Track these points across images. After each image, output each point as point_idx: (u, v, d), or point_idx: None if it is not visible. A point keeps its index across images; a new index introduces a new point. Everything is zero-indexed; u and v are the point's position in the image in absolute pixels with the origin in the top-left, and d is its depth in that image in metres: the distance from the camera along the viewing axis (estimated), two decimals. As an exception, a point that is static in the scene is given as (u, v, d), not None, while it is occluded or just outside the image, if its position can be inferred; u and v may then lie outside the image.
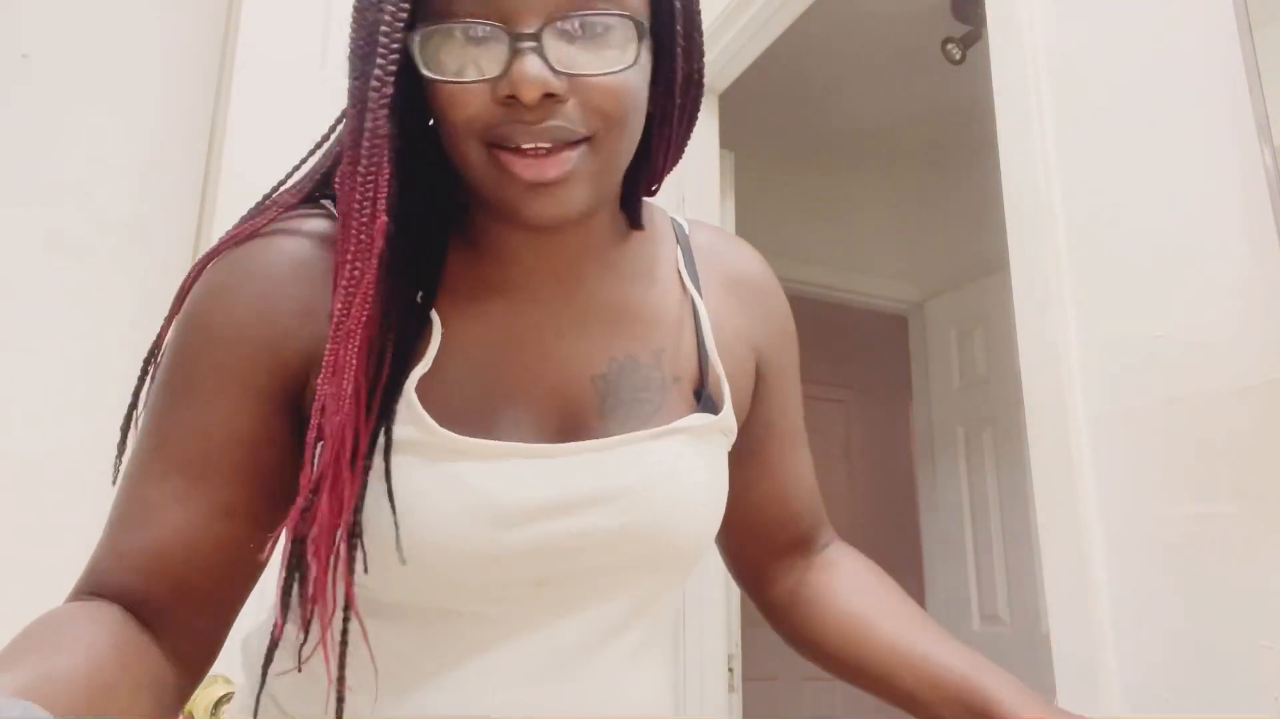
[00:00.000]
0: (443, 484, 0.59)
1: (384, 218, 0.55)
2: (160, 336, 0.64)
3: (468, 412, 0.61)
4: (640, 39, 0.56)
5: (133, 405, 0.63)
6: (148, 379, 0.63)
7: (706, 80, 2.58)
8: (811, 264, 3.66)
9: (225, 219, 1.57)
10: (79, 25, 1.70)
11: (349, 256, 0.55)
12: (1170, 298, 1.12)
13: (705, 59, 0.66)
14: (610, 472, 0.63)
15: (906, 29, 2.95)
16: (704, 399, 0.69)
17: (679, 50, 0.61)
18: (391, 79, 0.54)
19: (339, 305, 0.55)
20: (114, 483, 0.62)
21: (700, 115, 0.67)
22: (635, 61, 0.56)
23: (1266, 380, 1.01)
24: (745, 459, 0.78)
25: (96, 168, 1.66)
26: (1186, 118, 1.13)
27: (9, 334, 1.54)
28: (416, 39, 0.54)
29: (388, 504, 0.58)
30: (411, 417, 0.59)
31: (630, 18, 0.56)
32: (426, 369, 0.60)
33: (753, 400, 0.77)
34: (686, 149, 0.69)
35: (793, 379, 0.81)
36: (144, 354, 0.64)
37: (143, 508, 0.58)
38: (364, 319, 0.55)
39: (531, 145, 0.55)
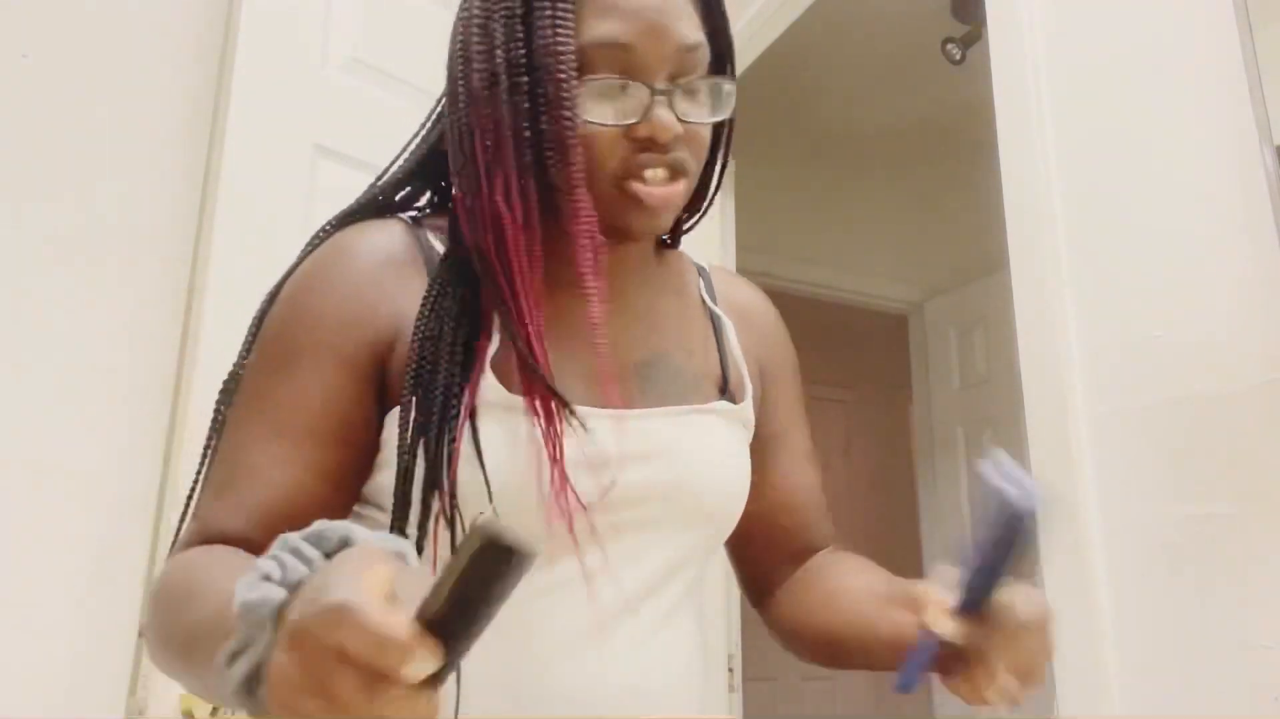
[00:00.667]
0: (516, 436, 0.67)
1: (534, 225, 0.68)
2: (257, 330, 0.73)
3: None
4: (733, 98, 0.72)
5: (232, 378, 0.73)
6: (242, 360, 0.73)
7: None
8: (811, 264, 3.66)
9: (225, 220, 1.57)
10: (79, 25, 1.70)
11: (514, 266, 0.67)
12: (1170, 298, 1.12)
13: None
14: (658, 433, 0.72)
15: (906, 29, 2.95)
16: (727, 393, 0.80)
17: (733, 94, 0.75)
18: (575, 122, 0.66)
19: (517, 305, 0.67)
20: (212, 436, 0.72)
21: None
22: (731, 113, 0.73)
23: (1266, 381, 1.01)
24: (756, 468, 0.82)
25: (96, 168, 1.66)
26: (1186, 118, 1.13)
27: (8, 334, 1.54)
28: (581, 89, 0.66)
29: (473, 460, 0.65)
30: (487, 386, 0.68)
31: (733, 80, 0.73)
32: (496, 349, 0.70)
33: (760, 412, 0.84)
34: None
35: (797, 402, 0.89)
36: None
37: (251, 468, 0.66)
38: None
39: (655, 174, 0.68)
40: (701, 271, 0.89)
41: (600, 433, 0.70)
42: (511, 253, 0.67)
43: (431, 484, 0.65)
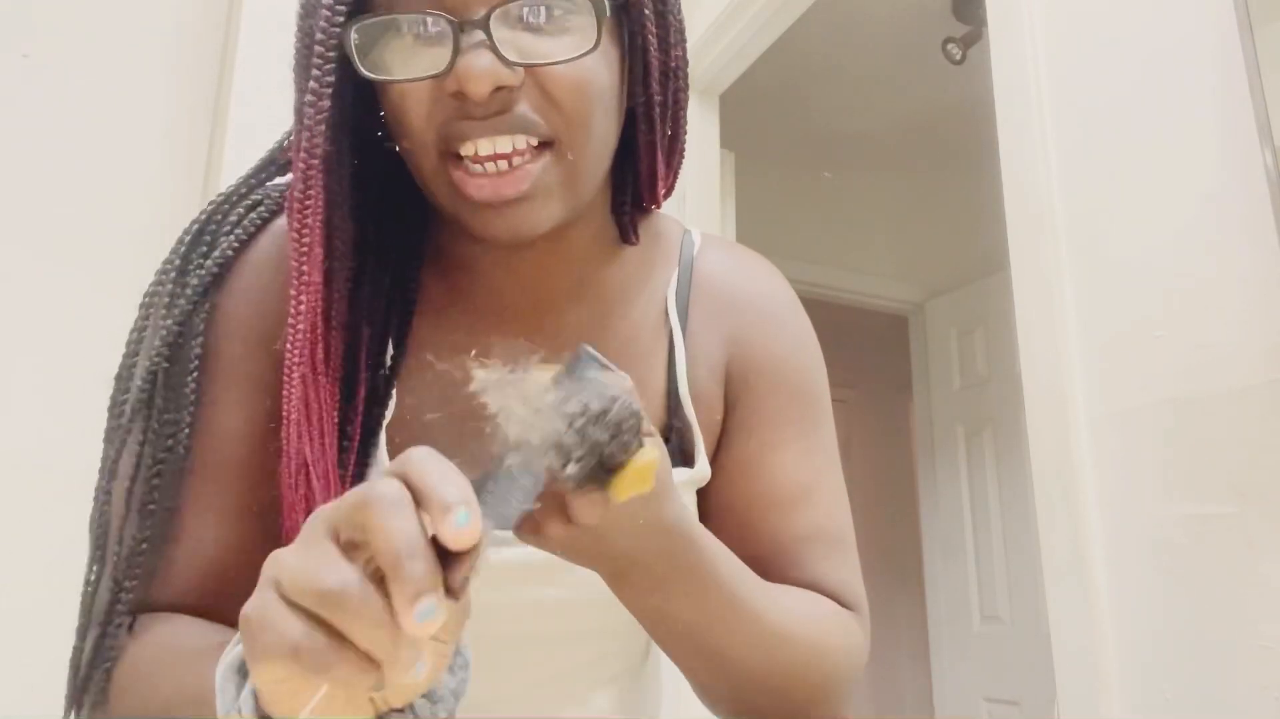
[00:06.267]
0: None
1: (319, 249, 0.52)
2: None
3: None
4: (601, 20, 0.50)
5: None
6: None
7: (706, 80, 2.54)
8: (811, 264, 3.66)
9: (225, 219, 1.58)
10: (79, 25, 1.70)
11: (291, 293, 0.52)
12: (1170, 297, 1.12)
13: (688, 49, 0.60)
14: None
15: (906, 29, 2.95)
16: (671, 441, 0.62)
17: (651, 37, 0.55)
18: (329, 90, 0.51)
19: (287, 349, 0.52)
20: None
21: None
22: (596, 45, 0.50)
23: (1267, 381, 1.01)
24: (718, 507, 0.65)
25: (96, 168, 1.66)
26: (1186, 117, 1.13)
27: (8, 335, 1.54)
28: (353, 36, 0.50)
29: None
30: (375, 464, 0.56)
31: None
32: (392, 412, 0.57)
33: (726, 431, 0.66)
34: (686, 152, 0.64)
35: (789, 418, 0.66)
36: None
37: (174, 522, 0.54)
38: (313, 361, 0.53)
39: (489, 152, 0.50)
40: (685, 254, 0.68)
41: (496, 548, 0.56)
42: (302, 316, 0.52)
43: None
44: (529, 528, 0.43)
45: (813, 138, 3.54)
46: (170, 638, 0.51)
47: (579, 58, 0.50)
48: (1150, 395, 1.13)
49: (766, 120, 3.26)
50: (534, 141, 0.51)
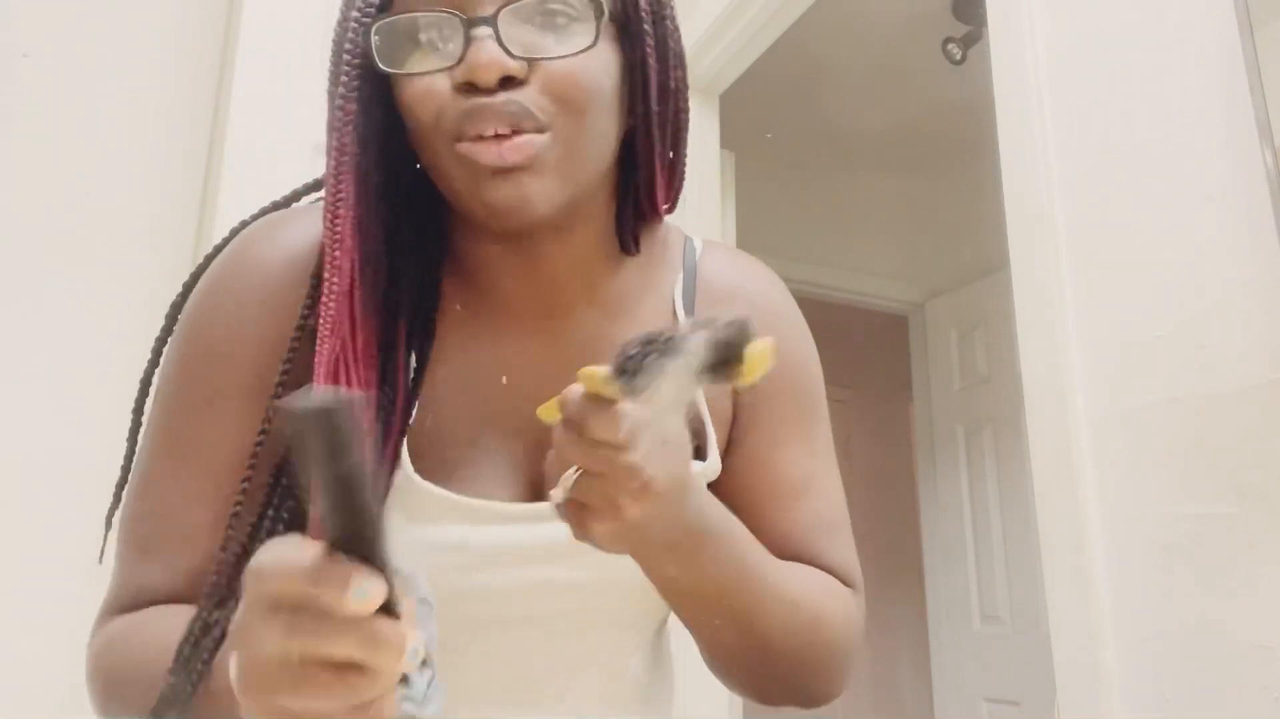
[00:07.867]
0: (418, 534, 0.58)
1: (350, 239, 0.55)
2: (160, 341, 0.64)
3: (450, 450, 0.61)
4: (599, 17, 0.55)
5: (138, 411, 0.63)
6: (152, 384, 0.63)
7: (706, 80, 2.53)
8: (811, 264, 3.66)
9: (226, 219, 1.57)
10: (79, 25, 1.70)
11: (325, 289, 0.55)
12: (1170, 298, 1.12)
13: (689, 52, 0.63)
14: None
15: (906, 29, 2.95)
16: None
17: (649, 52, 0.59)
18: (355, 94, 0.55)
19: (320, 354, 0.54)
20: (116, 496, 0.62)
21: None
22: (595, 42, 0.55)
23: (1267, 381, 1.01)
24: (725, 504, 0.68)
25: (96, 168, 1.66)
26: (1186, 117, 1.13)
27: (8, 335, 1.54)
28: (375, 37, 0.54)
29: None
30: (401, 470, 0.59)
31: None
32: (413, 417, 0.60)
33: (733, 433, 0.69)
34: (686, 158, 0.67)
35: (791, 419, 0.70)
36: (144, 353, 0.65)
37: (185, 528, 0.57)
38: (347, 356, 0.55)
39: (492, 131, 0.53)
40: (688, 260, 0.71)
41: (519, 527, 0.59)
42: (335, 300, 0.55)
43: None
44: (579, 532, 0.48)
45: (812, 138, 3.54)
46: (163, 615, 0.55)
47: (578, 54, 0.54)
48: (1150, 395, 1.13)
49: (766, 120, 3.26)
50: (534, 123, 0.55)
